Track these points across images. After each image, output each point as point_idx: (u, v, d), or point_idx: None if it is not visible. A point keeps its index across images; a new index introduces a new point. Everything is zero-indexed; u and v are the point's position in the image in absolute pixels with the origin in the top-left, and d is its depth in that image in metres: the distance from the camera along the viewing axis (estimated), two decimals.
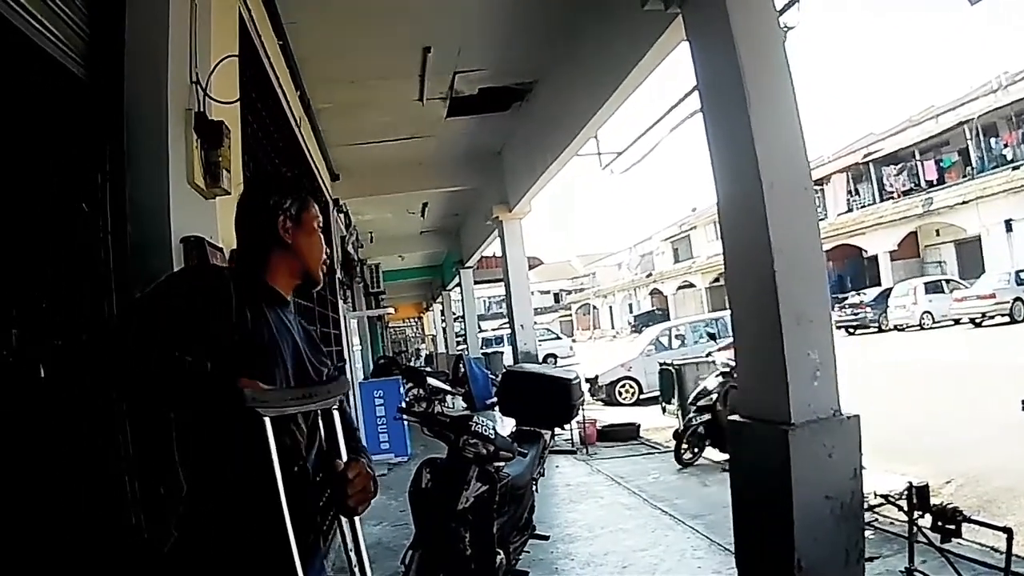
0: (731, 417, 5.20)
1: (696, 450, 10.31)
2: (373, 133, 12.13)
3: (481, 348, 26.36)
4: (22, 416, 2.55)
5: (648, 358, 20.69)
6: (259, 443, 2.15)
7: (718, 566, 6.14)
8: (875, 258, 37.62)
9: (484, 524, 4.61)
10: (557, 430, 8.47)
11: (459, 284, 25.32)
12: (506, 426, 6.63)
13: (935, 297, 29.87)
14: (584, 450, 12.11)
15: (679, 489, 9.17)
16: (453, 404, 17.42)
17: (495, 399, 8.29)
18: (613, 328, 71.97)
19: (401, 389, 12.91)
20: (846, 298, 34.46)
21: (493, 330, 49.38)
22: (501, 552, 4.91)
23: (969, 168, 34.45)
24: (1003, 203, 30.39)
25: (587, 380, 19.27)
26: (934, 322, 29.55)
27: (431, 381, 15.71)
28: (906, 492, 5.09)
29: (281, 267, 2.55)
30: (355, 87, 9.91)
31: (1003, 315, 25.76)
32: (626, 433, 13.20)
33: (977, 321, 26.96)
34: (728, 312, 5.88)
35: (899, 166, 38.24)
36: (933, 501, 4.99)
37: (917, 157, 37.53)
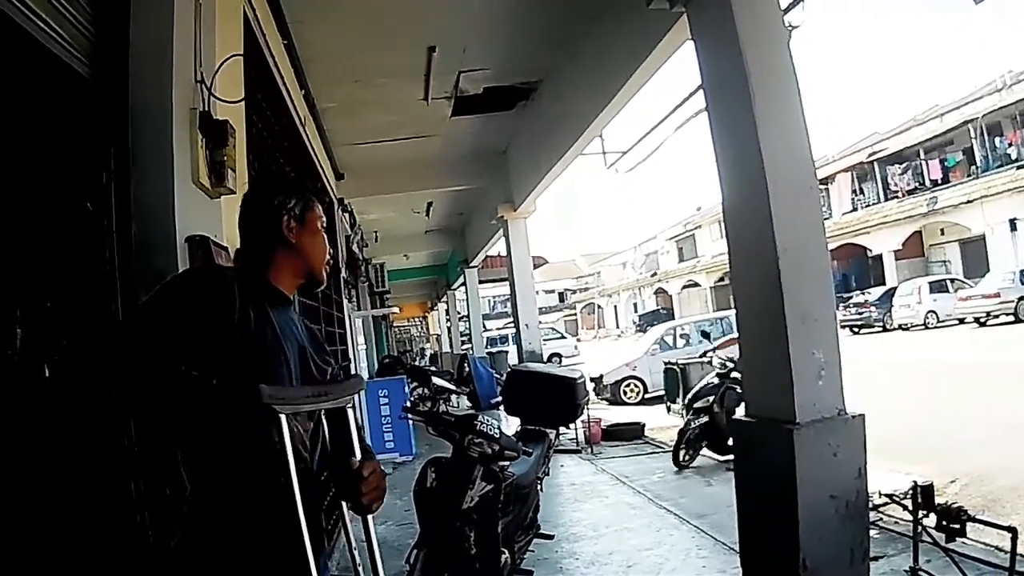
0: (735, 416, 5.20)
1: (692, 452, 10.23)
2: (378, 132, 12.12)
3: (486, 347, 26.40)
4: (26, 415, 2.55)
5: (653, 357, 20.65)
6: (260, 443, 2.16)
7: (723, 565, 6.13)
8: (879, 257, 37.54)
9: (489, 523, 4.61)
10: (562, 429, 8.46)
11: (464, 283, 25.35)
12: (511, 425, 6.64)
13: (939, 296, 29.82)
14: (589, 449, 12.10)
15: (684, 488, 9.17)
16: (458, 403, 17.44)
17: (500, 398, 8.30)
18: (618, 327, 71.95)
19: (406, 388, 12.90)
20: (851, 297, 34.41)
21: (498, 329, 49.44)
22: (506, 551, 4.91)
23: (974, 167, 34.42)
24: (1008, 202, 30.32)
25: (592, 379, 19.26)
26: (938, 321, 29.50)
27: (436, 380, 15.68)
28: (911, 491, 5.08)
29: (285, 266, 2.56)
30: (360, 86, 9.91)
31: (1008, 314, 25.70)
32: (631, 432, 13.17)
33: (981, 320, 26.91)
34: (733, 311, 5.88)
35: (904, 165, 38.22)
36: (938, 500, 4.98)
37: (922, 156, 37.52)
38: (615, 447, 12.38)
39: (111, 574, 2.92)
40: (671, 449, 10.38)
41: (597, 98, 8.78)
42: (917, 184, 37.29)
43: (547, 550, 6.61)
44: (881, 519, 6.28)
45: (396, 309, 29.67)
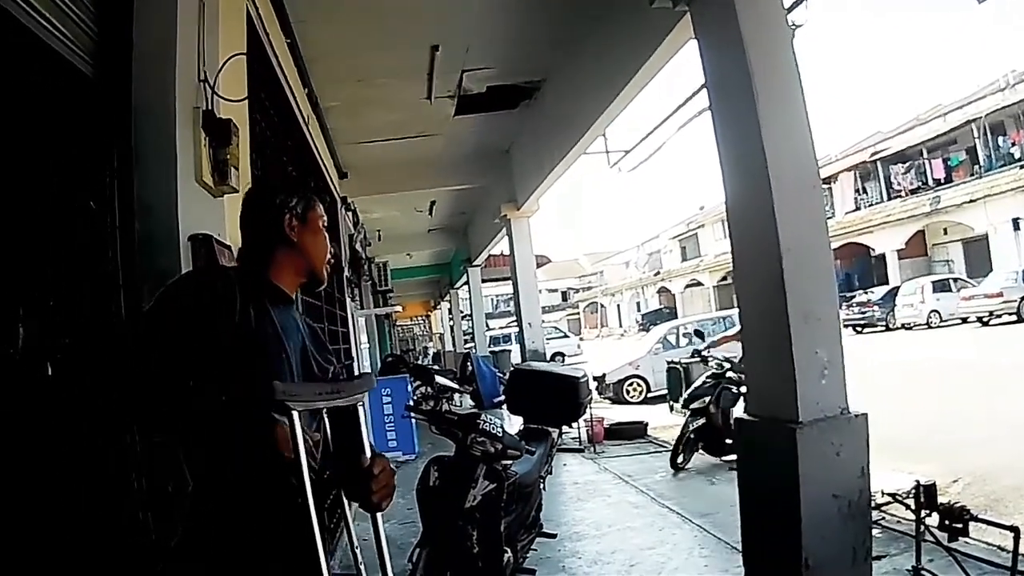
0: (735, 415, 5.21)
1: (687, 454, 10.09)
2: (381, 131, 12.13)
3: (489, 346, 26.42)
4: (28, 413, 2.56)
5: (656, 356, 20.60)
6: (261, 443, 2.17)
7: (725, 564, 6.13)
8: (883, 257, 37.51)
9: (491, 522, 4.61)
10: (565, 428, 8.46)
11: (467, 282, 25.39)
12: (514, 424, 6.64)
13: (942, 296, 29.83)
14: (592, 448, 12.07)
15: (686, 487, 9.17)
16: (461, 402, 17.40)
17: (503, 397, 8.30)
18: (621, 326, 71.90)
19: (409, 387, 12.89)
20: (854, 296, 34.41)
21: (501, 328, 49.39)
22: (508, 550, 4.90)
23: (977, 166, 34.39)
24: (1011, 201, 30.31)
25: (595, 378, 19.22)
26: (941, 321, 29.51)
27: (439, 379, 15.64)
28: (913, 491, 5.07)
29: (286, 265, 2.57)
30: (363, 85, 9.92)
31: (1010, 314, 25.69)
32: (634, 432, 13.14)
33: (984, 320, 26.89)
34: (735, 310, 5.87)
35: (907, 164, 38.20)
36: (940, 500, 4.96)
37: (925, 155, 37.49)
38: (618, 446, 12.34)
39: (112, 573, 2.93)
40: (672, 449, 10.34)
41: (600, 97, 8.78)
42: (920, 183, 37.27)
43: (550, 549, 6.61)
44: (883, 518, 6.27)
45: (399, 308, 29.73)
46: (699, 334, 12.42)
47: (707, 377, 10.37)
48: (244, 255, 2.65)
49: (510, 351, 24.87)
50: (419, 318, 58.97)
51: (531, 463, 5.36)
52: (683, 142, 10.88)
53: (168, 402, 2.14)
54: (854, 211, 40.82)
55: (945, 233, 36.63)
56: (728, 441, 9.49)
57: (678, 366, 12.98)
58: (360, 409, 2.44)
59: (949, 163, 36.22)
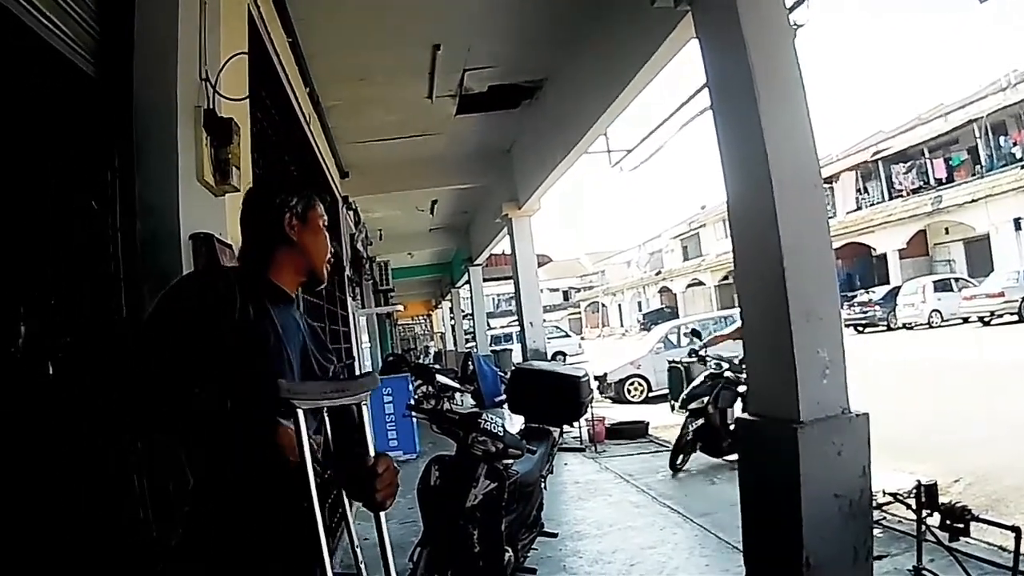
0: (734, 415, 5.21)
1: (685, 456, 10.00)
2: (382, 130, 12.13)
3: (490, 345, 26.41)
4: (29, 412, 2.56)
5: (657, 356, 20.58)
6: (261, 443, 2.17)
7: (726, 564, 6.12)
8: (884, 256, 37.51)
9: (492, 521, 4.61)
10: (566, 428, 8.46)
11: (468, 281, 25.39)
12: (515, 423, 6.64)
13: (944, 295, 29.86)
14: (593, 448, 12.07)
15: (687, 487, 9.17)
16: (462, 401, 17.39)
17: (504, 396, 8.29)
18: (622, 326, 71.91)
19: (410, 386, 12.89)
20: (855, 296, 34.45)
21: (502, 327, 49.35)
22: (509, 549, 4.91)
23: (978, 166, 34.36)
24: (1012, 201, 30.28)
25: (596, 378, 19.24)
26: (943, 320, 29.54)
27: (440, 378, 15.63)
28: (914, 490, 5.07)
29: (286, 265, 2.57)
30: (364, 84, 9.92)
31: (1012, 314, 25.70)
32: (635, 431, 13.13)
33: (986, 320, 26.89)
34: (736, 310, 5.88)
35: (908, 164, 38.18)
36: (942, 500, 4.97)
37: (926, 155, 37.45)
38: (619, 445, 12.34)
39: (112, 572, 2.93)
40: (672, 451, 10.30)
41: (602, 96, 8.79)
42: (921, 183, 37.25)
43: (551, 548, 6.61)
44: (885, 518, 6.26)
45: (400, 307, 29.70)
46: (695, 333, 12.35)
47: (705, 377, 10.30)
48: (244, 254, 2.65)
49: (511, 350, 24.89)
50: (420, 317, 58.99)
51: (532, 462, 5.36)
52: (685, 141, 10.96)
53: (168, 402, 2.15)
54: (855, 211, 40.82)
55: (946, 233, 36.62)
56: (727, 441, 9.46)
57: (679, 366, 12.97)
58: (365, 408, 2.45)
59: (951, 163, 36.21)
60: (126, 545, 3.00)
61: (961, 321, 28.61)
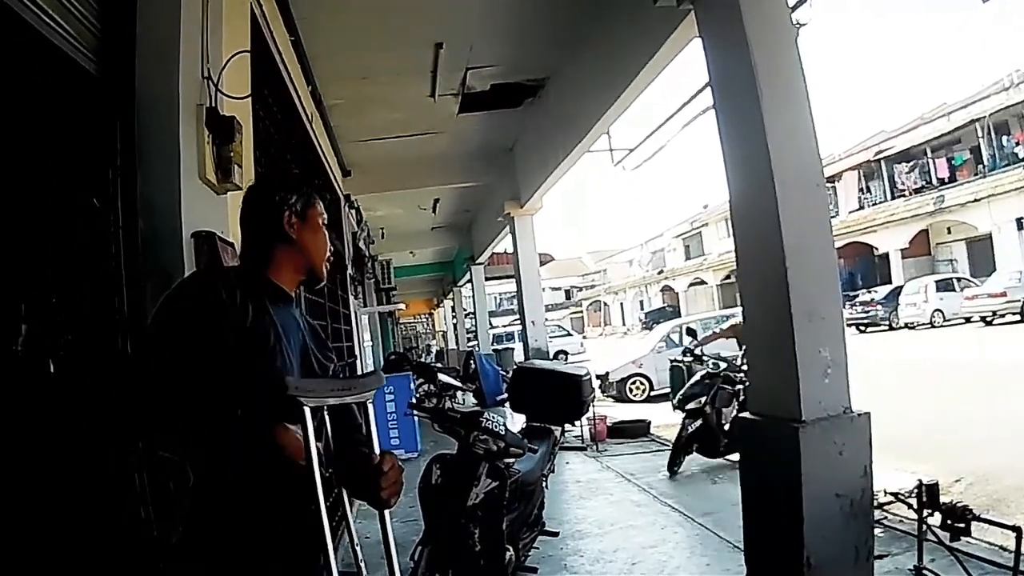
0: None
1: (681, 457, 9.88)
2: (385, 129, 12.14)
3: (492, 344, 26.41)
4: (30, 410, 2.56)
5: (659, 355, 20.62)
6: (261, 443, 2.18)
7: (727, 563, 6.12)
8: (886, 256, 37.55)
9: (494, 520, 4.61)
10: (567, 427, 8.45)
11: (470, 280, 25.36)
12: (516, 422, 6.64)
13: (946, 295, 29.90)
14: (594, 447, 12.08)
15: (688, 486, 9.17)
16: (464, 400, 17.40)
17: (506, 395, 8.29)
18: (624, 325, 71.88)
19: (412, 385, 12.89)
20: (857, 296, 34.47)
21: (504, 326, 49.32)
22: (510, 548, 4.91)
23: (981, 166, 34.38)
24: (1015, 201, 30.28)
25: (598, 377, 19.22)
26: (945, 320, 29.59)
27: (442, 377, 15.63)
28: (916, 490, 5.08)
29: (285, 263, 2.57)
30: (367, 83, 9.92)
31: (1014, 313, 25.70)
32: (636, 430, 13.14)
33: (988, 319, 26.91)
34: (739, 309, 5.87)
35: (911, 164, 38.19)
36: (943, 499, 4.97)
37: (929, 155, 37.45)
38: (620, 444, 12.35)
39: (113, 571, 2.93)
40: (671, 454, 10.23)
41: (604, 95, 8.78)
42: (924, 183, 37.26)
43: (552, 547, 6.61)
44: (886, 518, 6.27)
45: (402, 306, 29.74)
46: (691, 332, 12.32)
47: (701, 376, 10.21)
48: (244, 253, 2.66)
49: (513, 349, 24.91)
50: (422, 316, 58.95)
51: (533, 461, 5.36)
52: (687, 140, 10.95)
53: (169, 402, 2.15)
54: (858, 210, 40.80)
55: (949, 232, 36.64)
56: (723, 442, 9.43)
57: (681, 364, 12.94)
58: (370, 406, 2.46)
59: (953, 162, 36.21)
60: (127, 544, 3.00)
61: (963, 321, 28.64)
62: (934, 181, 36.53)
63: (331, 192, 11.16)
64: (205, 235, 3.61)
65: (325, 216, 2.70)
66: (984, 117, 33.74)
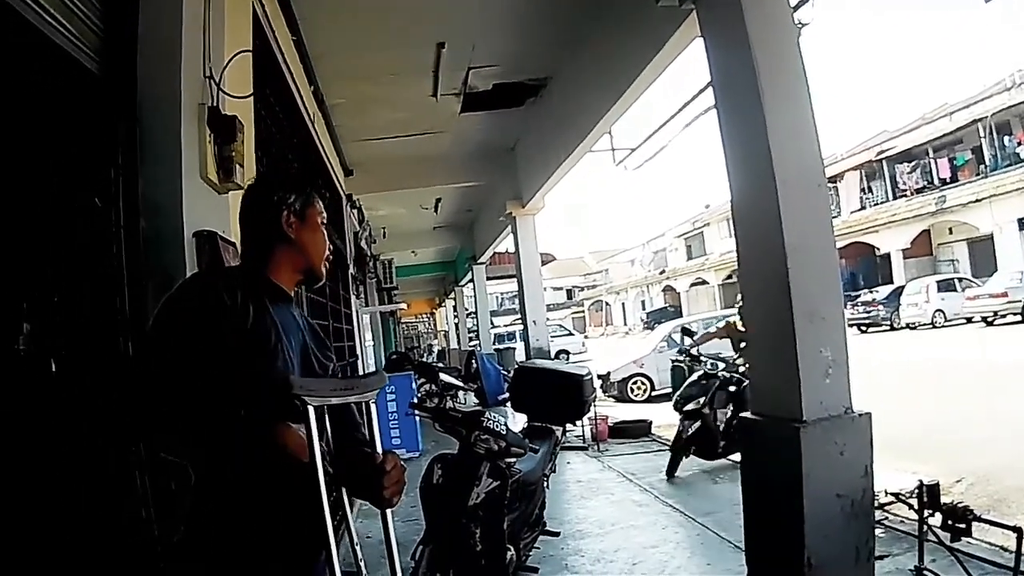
0: (742, 414, 5.20)
1: (678, 460, 9.77)
2: (387, 129, 12.14)
3: (493, 344, 26.38)
4: (32, 409, 2.56)
5: (660, 355, 20.60)
6: (261, 443, 2.18)
7: (728, 563, 6.12)
8: (888, 256, 37.55)
9: (495, 520, 4.62)
10: (569, 426, 8.45)
11: (472, 280, 25.35)
12: (518, 422, 6.64)
13: (947, 295, 29.90)
14: (595, 446, 12.08)
15: (689, 486, 9.17)
16: (465, 400, 17.44)
17: (507, 395, 8.29)
18: (625, 325, 71.87)
19: (413, 385, 12.90)
20: (859, 296, 34.46)
21: (505, 326, 49.29)
22: (511, 548, 4.92)
23: (982, 166, 34.35)
24: (1016, 201, 30.28)
25: (599, 376, 19.20)
26: (946, 320, 29.59)
27: (443, 377, 15.69)
28: (917, 491, 5.08)
29: (284, 262, 2.57)
30: (369, 83, 9.93)
31: (1015, 314, 25.68)
32: (637, 430, 13.13)
33: (989, 320, 26.91)
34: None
35: (912, 164, 38.16)
36: (944, 500, 4.97)
37: (930, 155, 37.43)
38: (622, 444, 12.33)
39: (113, 571, 2.93)
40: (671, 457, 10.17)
41: (606, 95, 8.78)
42: (926, 183, 37.24)
43: (553, 547, 6.61)
44: (887, 518, 6.26)
45: (404, 305, 29.78)
46: (687, 332, 12.28)
47: (698, 377, 10.13)
48: (242, 252, 2.67)
49: (514, 349, 24.94)
50: (424, 316, 58.97)
51: (535, 461, 5.36)
52: (689, 140, 10.98)
53: (169, 402, 2.15)
54: (859, 210, 40.80)
55: (950, 233, 36.62)
56: (721, 443, 9.40)
57: (683, 365, 12.93)
58: (372, 406, 2.47)
59: (955, 162, 36.19)
60: (127, 544, 3.00)
61: (964, 321, 28.66)
62: (936, 181, 36.52)
63: (333, 191, 11.15)
64: (207, 235, 3.61)
65: (324, 215, 2.70)
66: (986, 117, 33.73)
